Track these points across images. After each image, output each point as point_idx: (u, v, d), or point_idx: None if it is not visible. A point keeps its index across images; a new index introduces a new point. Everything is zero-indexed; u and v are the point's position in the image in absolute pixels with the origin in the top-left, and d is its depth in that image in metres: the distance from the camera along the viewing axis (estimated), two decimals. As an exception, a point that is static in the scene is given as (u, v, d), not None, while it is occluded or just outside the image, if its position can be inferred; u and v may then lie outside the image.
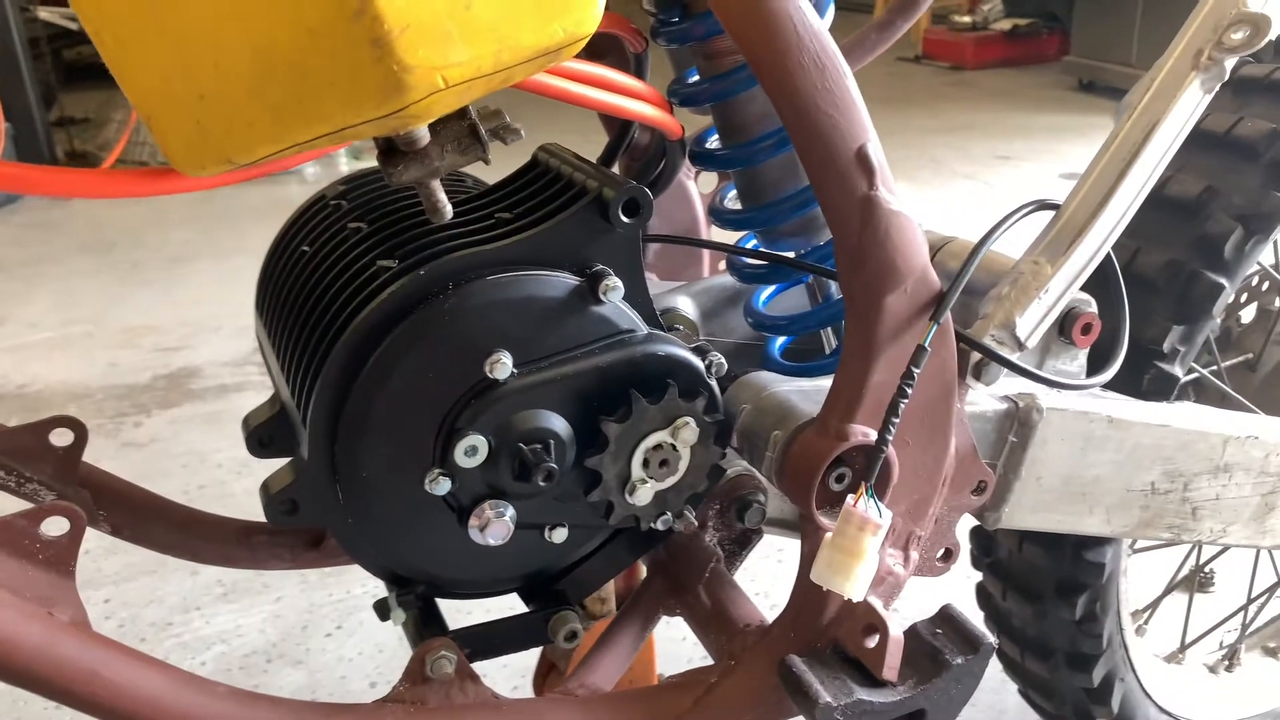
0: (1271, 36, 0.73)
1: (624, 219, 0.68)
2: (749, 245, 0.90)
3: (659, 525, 0.73)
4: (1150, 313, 0.98)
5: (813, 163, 0.63)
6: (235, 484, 1.85)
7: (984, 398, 0.81)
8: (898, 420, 0.67)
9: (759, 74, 0.61)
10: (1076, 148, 4.16)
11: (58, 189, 0.51)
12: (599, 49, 0.86)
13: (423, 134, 0.54)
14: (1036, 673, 1.15)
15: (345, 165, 4.01)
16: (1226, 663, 1.33)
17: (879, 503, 0.67)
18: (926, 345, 0.67)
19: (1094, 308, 0.89)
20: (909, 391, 0.66)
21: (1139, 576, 1.39)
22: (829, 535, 0.67)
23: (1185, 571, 1.39)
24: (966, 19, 5.54)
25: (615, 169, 0.91)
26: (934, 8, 5.88)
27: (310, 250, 0.77)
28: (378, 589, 1.60)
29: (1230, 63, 0.75)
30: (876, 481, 0.69)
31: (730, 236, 0.93)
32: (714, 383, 0.72)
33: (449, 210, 0.59)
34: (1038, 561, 1.07)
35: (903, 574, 0.75)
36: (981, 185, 3.76)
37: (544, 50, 0.51)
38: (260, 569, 0.82)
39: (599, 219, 0.68)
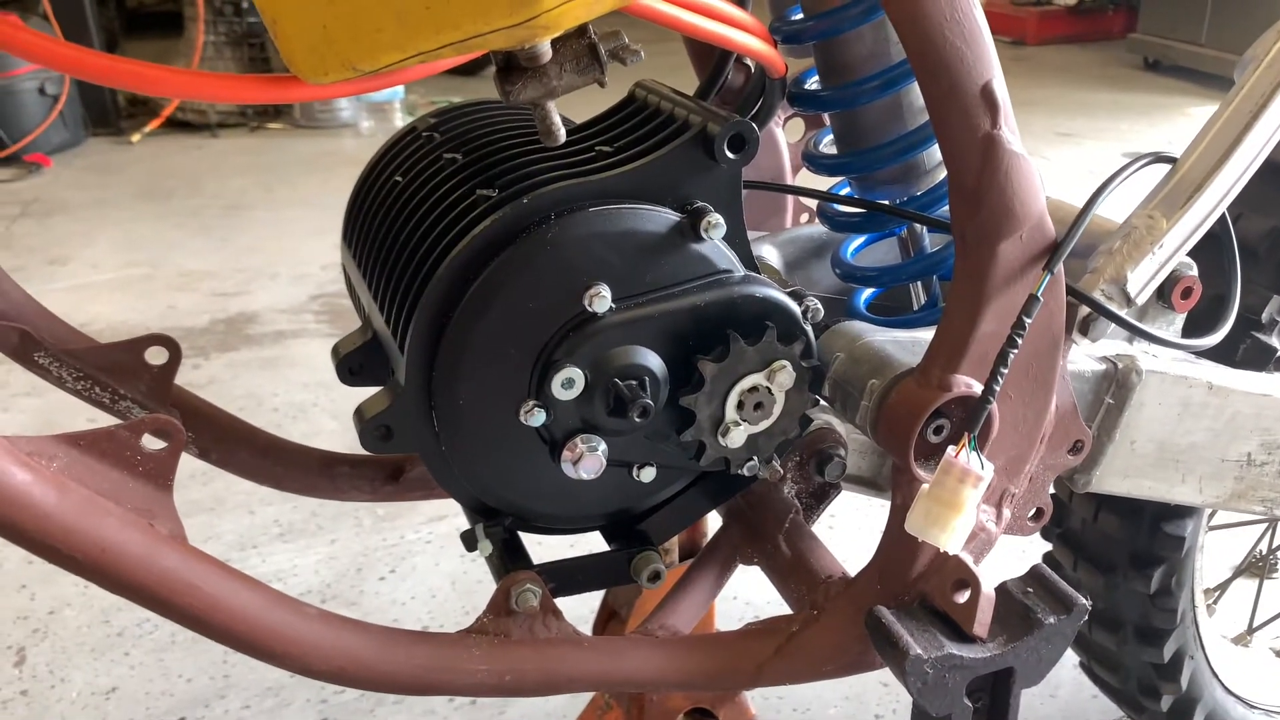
0: None
1: (729, 155, 0.66)
2: (842, 193, 0.88)
3: (746, 471, 0.72)
4: (1249, 281, 0.95)
5: (936, 97, 0.61)
6: (292, 428, 1.86)
7: (1083, 357, 0.79)
8: (1005, 372, 0.65)
9: (887, 3, 0.59)
10: (1139, 126, 4.05)
11: (173, 89, 0.50)
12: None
13: (545, 49, 0.53)
14: (1104, 645, 1.13)
15: (400, 119, 4.01)
16: (1294, 648, 1.31)
17: (981, 455, 0.65)
18: (1039, 295, 0.65)
19: (1195, 271, 0.86)
20: (1019, 342, 0.64)
21: (1211, 556, 1.36)
22: (926, 487, 0.66)
23: (1254, 555, 1.36)
24: (1033, -6, 5.41)
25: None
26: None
27: (404, 180, 0.76)
28: (432, 535, 1.61)
29: (1368, 15, 0.71)
30: (978, 434, 0.67)
31: (822, 184, 0.91)
32: (810, 328, 0.70)
33: (563, 133, 0.58)
34: (1113, 532, 1.04)
35: (995, 531, 0.73)
36: (1042, 162, 3.68)
37: (674, -35, 0.50)
38: (340, 499, 0.82)
39: (702, 155, 0.66)
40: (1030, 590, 0.71)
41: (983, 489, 0.65)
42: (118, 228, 3.03)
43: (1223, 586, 1.26)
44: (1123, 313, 0.72)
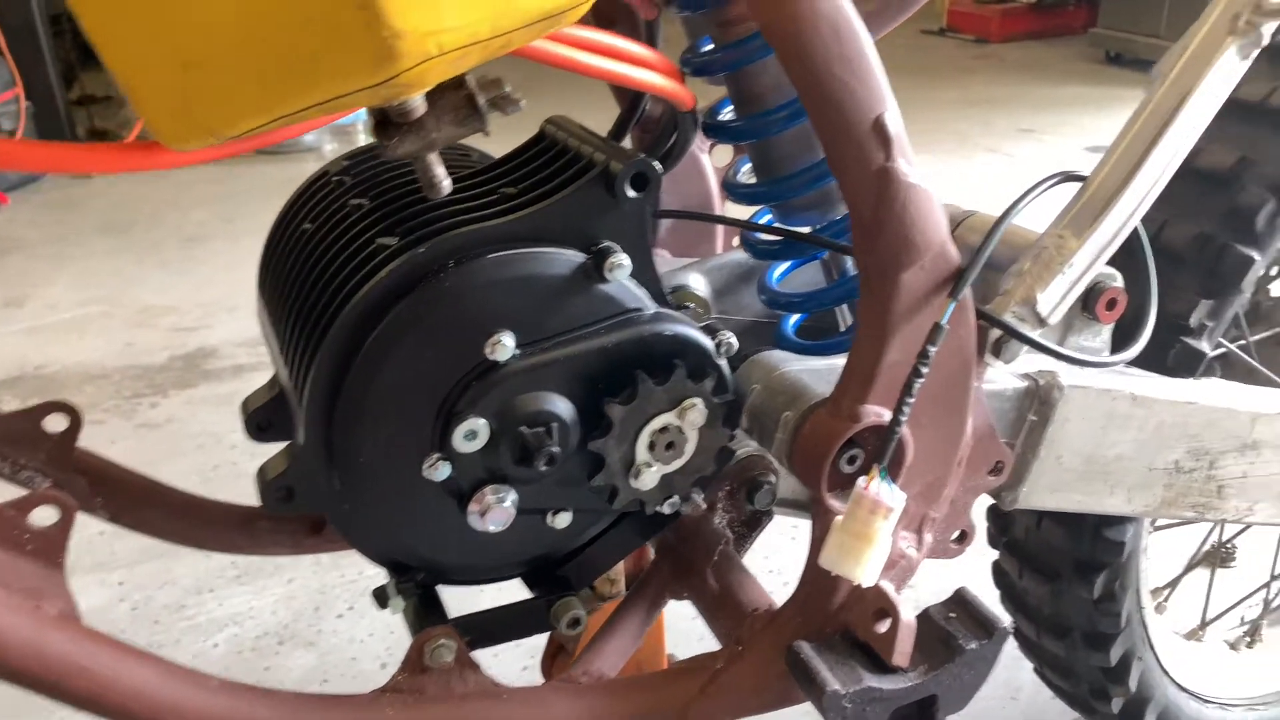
0: (1309, -1, 0.69)
1: (631, 193, 0.65)
2: (764, 220, 0.88)
3: (665, 509, 0.71)
4: (1177, 286, 0.95)
5: (827, 133, 0.61)
6: (250, 465, 1.84)
7: (1003, 375, 0.79)
8: (912, 400, 0.64)
9: (771, 40, 0.59)
10: (1101, 121, 4.08)
11: (35, 164, 0.49)
12: (608, 15, 0.84)
13: (418, 104, 0.52)
14: (1053, 651, 1.13)
15: (364, 138, 4.00)
16: (1248, 639, 1.31)
17: (892, 485, 0.65)
18: (944, 323, 0.65)
19: (1119, 282, 0.86)
20: (924, 371, 0.64)
21: (1160, 553, 1.36)
22: (839, 519, 0.65)
23: (1206, 548, 1.37)
24: (993, -9, 5.44)
25: (627, 142, 0.89)
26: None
27: (312, 228, 0.75)
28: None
29: (1270, 28, 0.71)
30: (890, 463, 0.67)
31: (745, 211, 0.91)
32: (724, 363, 0.70)
33: (447, 185, 0.57)
34: (1056, 540, 1.05)
35: (916, 557, 0.73)
36: (1004, 159, 3.70)
37: (545, 14, 0.49)
38: (264, 554, 0.81)
39: (605, 194, 0.65)
40: (953, 615, 0.70)
41: (894, 520, 0.65)
42: (76, 264, 3.00)
43: (1174, 583, 1.27)
44: (1036, 333, 0.72)
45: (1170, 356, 0.95)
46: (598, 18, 0.85)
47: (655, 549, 0.85)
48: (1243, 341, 1.17)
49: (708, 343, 0.69)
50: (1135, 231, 0.78)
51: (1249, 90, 1.00)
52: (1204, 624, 1.29)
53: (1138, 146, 0.71)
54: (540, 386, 0.65)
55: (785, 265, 0.90)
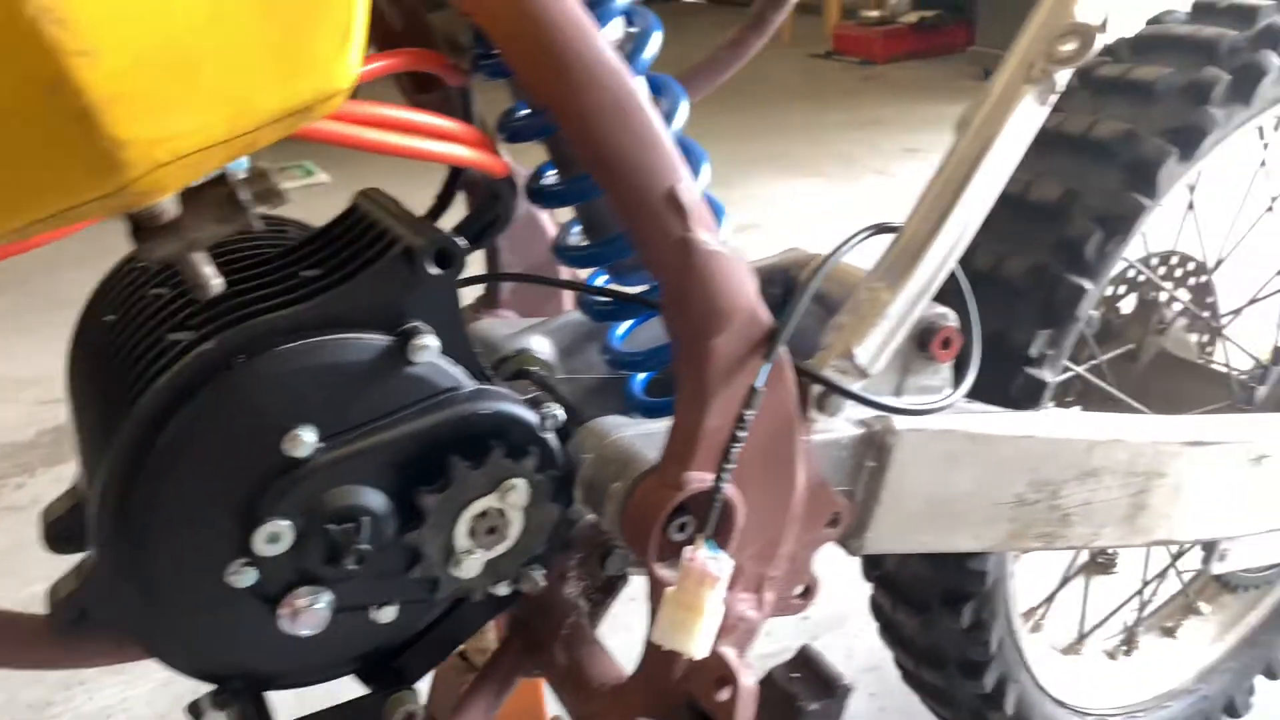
0: (1098, 47, 0.71)
1: (435, 271, 0.64)
2: (599, 281, 0.87)
3: (500, 591, 0.69)
4: (1017, 318, 0.97)
5: (620, 206, 0.60)
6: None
7: (839, 423, 0.79)
8: (732, 466, 0.64)
9: (553, 113, 0.58)
10: (980, 134, 4.19)
11: None
12: (426, 85, 0.82)
13: (166, 208, 0.50)
14: (932, 682, 1.14)
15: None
16: (1125, 648, 1.34)
17: (719, 552, 0.64)
18: (759, 386, 0.64)
19: (953, 321, 0.88)
20: (742, 436, 0.64)
21: (1040, 568, 1.39)
22: (669, 590, 0.64)
23: (1082, 561, 1.40)
24: (874, 13, 5.56)
25: (466, 209, 0.87)
26: (844, 3, 5.92)
27: (114, 319, 0.72)
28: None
29: (1062, 75, 0.73)
30: (718, 528, 0.66)
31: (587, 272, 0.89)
32: (550, 436, 0.68)
33: (215, 284, 0.55)
34: (922, 573, 1.05)
35: (756, 618, 0.72)
36: (891, 180, 3.78)
37: (289, 111, 0.47)
38: (85, 667, 0.76)
39: (409, 272, 0.63)
40: (796, 675, 0.70)
41: (723, 588, 0.64)
42: (-63, 337, 2.85)
43: (1050, 598, 1.29)
44: (858, 385, 0.72)
45: (1014, 388, 0.96)
46: (417, 87, 0.83)
47: (507, 625, 0.83)
48: (1094, 362, 1.20)
49: (530, 417, 0.67)
50: (954, 274, 0.80)
51: (1073, 123, 1.03)
52: (1082, 637, 1.32)
53: (946, 195, 0.72)
54: (349, 480, 0.62)
55: (628, 323, 0.89)
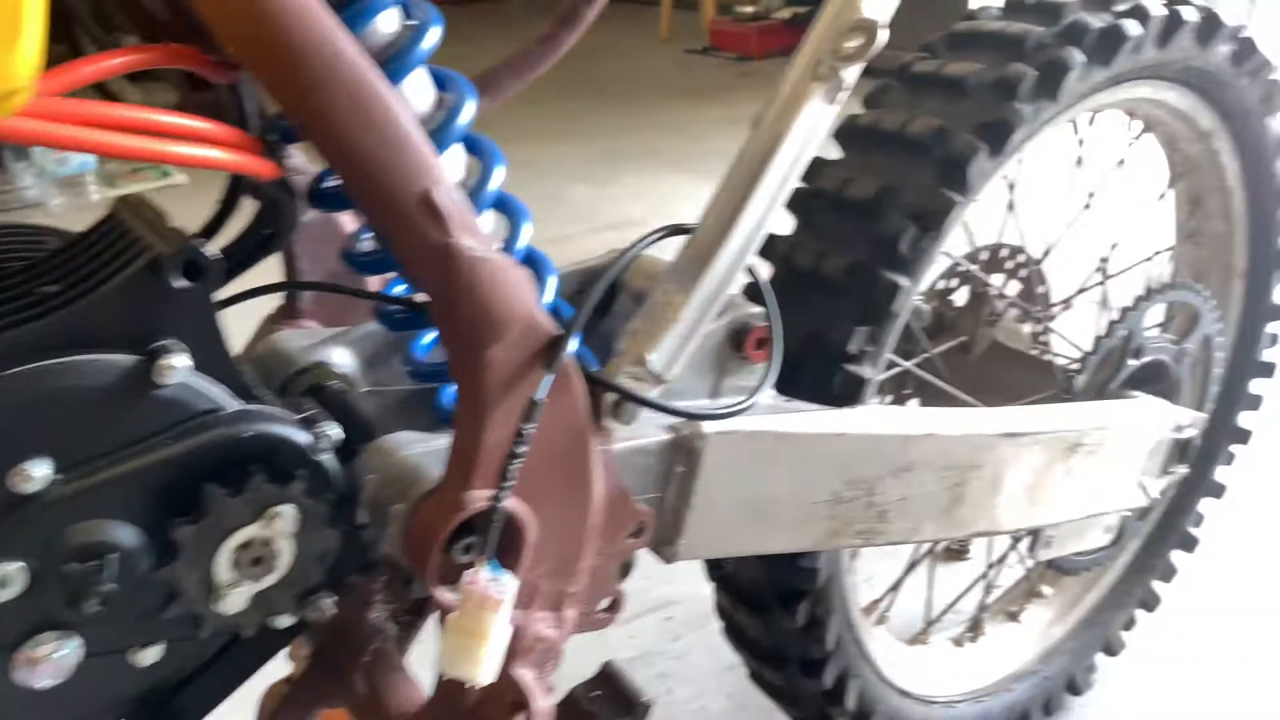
0: (881, 43, 0.71)
1: (183, 283, 0.59)
2: (398, 289, 0.83)
3: (280, 624, 0.65)
4: (836, 316, 0.97)
5: (372, 214, 0.56)
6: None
7: (645, 430, 0.77)
8: (511, 483, 0.61)
9: (289, 114, 0.54)
10: (853, 128, 4.28)
11: None
12: (201, 83, 0.77)
13: None
14: (775, 682, 1.14)
15: (95, 194, 3.70)
16: (971, 634, 1.36)
17: (502, 572, 0.61)
18: (540, 398, 0.61)
19: (767, 322, 0.87)
20: (523, 451, 0.61)
21: (888, 560, 1.41)
22: (451, 616, 0.61)
23: (922, 552, 1.42)
24: (749, 9, 5.61)
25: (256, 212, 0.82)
26: (718, -1, 5.96)
27: None
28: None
29: (850, 72, 0.73)
30: (506, 547, 0.64)
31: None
32: (326, 457, 0.65)
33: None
34: (757, 573, 1.05)
35: (557, 636, 0.70)
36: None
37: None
38: None
39: (156, 285, 0.59)
40: (597, 693, 0.68)
41: (507, 610, 0.61)
42: None
43: (894, 591, 1.30)
44: (654, 391, 0.70)
45: (835, 385, 0.96)
46: (193, 85, 0.78)
47: (309, 655, 0.79)
48: (924, 356, 1.22)
49: (301, 438, 0.63)
50: (755, 271, 0.79)
51: (889, 120, 1.03)
52: (927, 626, 1.33)
53: (736, 195, 0.71)
54: (91, 514, 0.57)
55: (433, 332, 0.86)
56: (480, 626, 0.60)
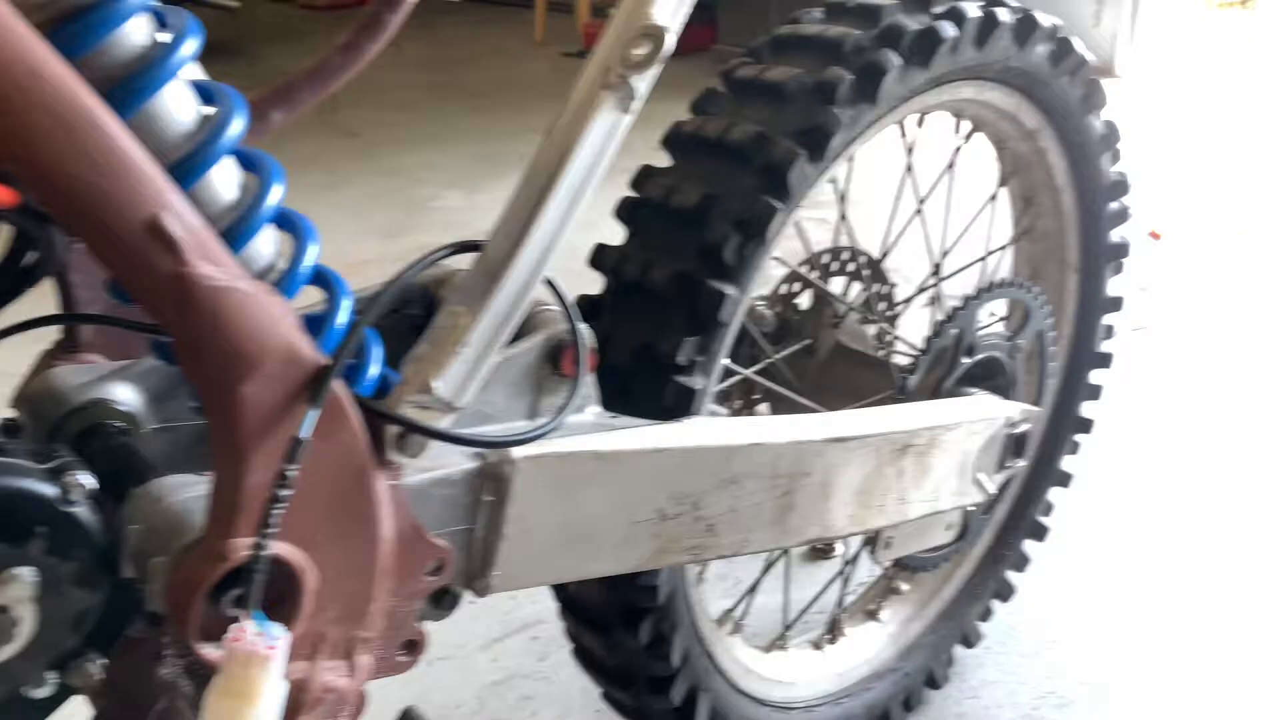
0: (668, 49, 0.69)
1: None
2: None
3: (38, 694, 0.59)
4: (664, 327, 0.95)
5: (92, 243, 0.51)
6: None
7: (450, 457, 0.73)
8: (275, 529, 0.56)
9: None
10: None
11: None
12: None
13: None
14: (624, 702, 1.12)
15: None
16: (830, 636, 1.36)
17: (267, 626, 0.57)
18: (303, 435, 0.57)
19: (587, 337, 0.84)
20: (287, 494, 0.57)
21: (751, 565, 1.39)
22: (215, 678, 0.56)
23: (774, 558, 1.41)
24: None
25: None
26: (594, 1, 5.93)
27: None
28: None
29: (641, 80, 0.70)
30: (284, 596, 0.59)
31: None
32: (79, 509, 0.59)
33: None
34: (597, 594, 1.02)
35: (349, 685, 0.65)
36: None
37: None
38: None
39: None
40: (394, 744, 0.64)
41: (279, 666, 0.57)
42: None
43: (749, 596, 1.29)
44: (447, 420, 0.67)
45: (666, 398, 0.94)
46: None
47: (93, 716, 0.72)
48: (766, 361, 1.22)
49: (44, 490, 0.58)
50: (556, 286, 0.76)
51: (712, 127, 1.02)
52: (785, 631, 1.33)
53: (525, 209, 0.68)
54: None
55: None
56: (248, 687, 0.55)
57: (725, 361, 1.06)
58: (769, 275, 1.21)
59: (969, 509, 1.29)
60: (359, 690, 0.66)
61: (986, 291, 1.19)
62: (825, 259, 1.32)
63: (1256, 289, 2.77)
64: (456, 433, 0.66)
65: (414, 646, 0.70)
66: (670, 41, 0.68)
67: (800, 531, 0.96)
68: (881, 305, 1.37)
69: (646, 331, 0.95)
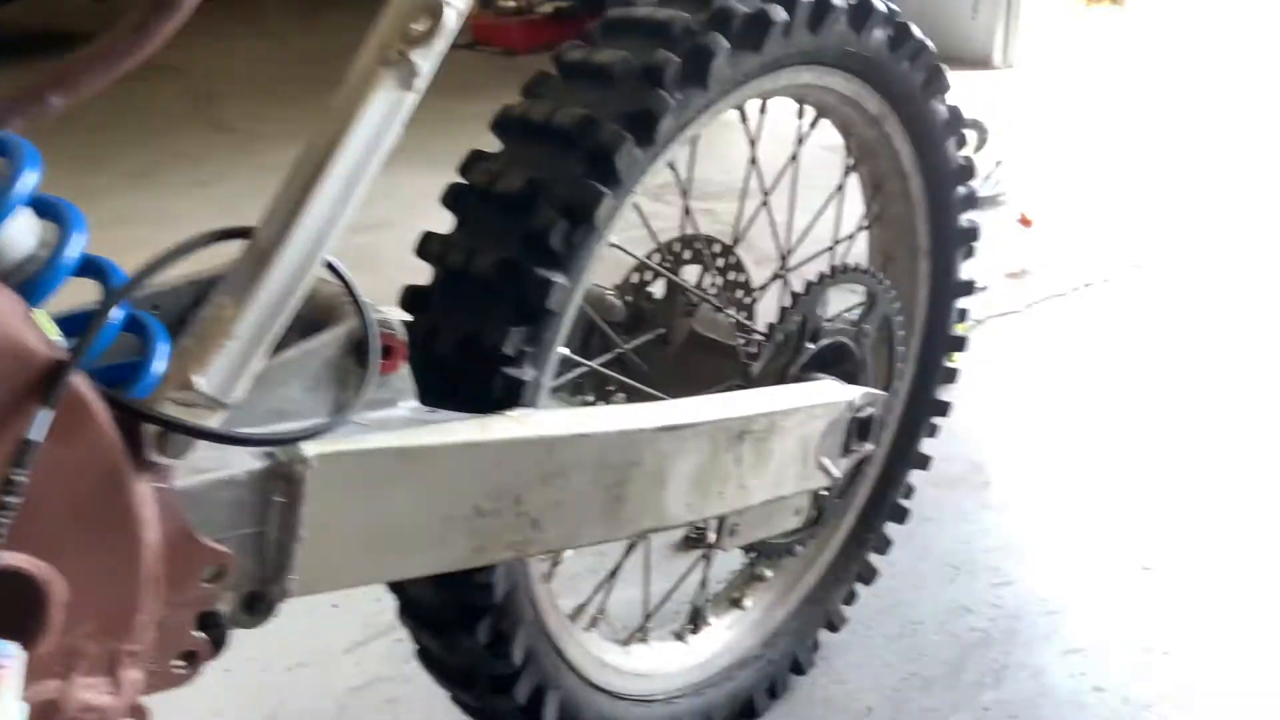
0: (449, 25, 0.66)
1: None
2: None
3: None
4: (489, 317, 0.92)
5: None
6: None
7: (234, 458, 0.69)
8: (1, 540, 0.52)
9: None
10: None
11: None
12: None
13: None
14: (470, 704, 1.09)
15: None
16: (692, 626, 1.35)
17: (2, 644, 0.52)
18: (33, 438, 0.53)
19: (394, 329, 0.81)
20: (14, 502, 0.52)
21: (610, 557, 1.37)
22: (-65, 707, 0.52)
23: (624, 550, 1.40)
24: (511, 3, 5.55)
25: None
26: (480, -9, 5.86)
27: None
28: None
29: (423, 57, 0.68)
30: (26, 611, 0.55)
31: None
32: None
33: None
34: (432, 594, 0.99)
35: (114, 703, 0.61)
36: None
37: None
38: None
39: None
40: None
41: (13, 685, 0.52)
42: None
43: (606, 591, 1.27)
44: (217, 418, 0.63)
45: (495, 389, 0.92)
46: None
47: None
48: (616, 352, 1.20)
49: None
50: (340, 273, 0.73)
51: (539, 110, 1.00)
52: (646, 623, 1.31)
53: (296, 194, 0.64)
54: None
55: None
56: (-29, 713, 0.51)
57: (564, 351, 1.04)
58: (620, 264, 1.20)
59: (819, 493, 1.30)
60: (129, 706, 0.62)
61: (829, 277, 1.19)
62: (677, 247, 1.31)
63: (1125, 273, 2.88)
64: (219, 430, 0.62)
65: (193, 657, 0.66)
66: (450, 17, 0.65)
67: (635, 522, 0.94)
68: (738, 294, 1.36)
69: (472, 322, 0.93)
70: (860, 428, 1.19)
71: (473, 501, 0.81)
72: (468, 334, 0.93)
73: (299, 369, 0.75)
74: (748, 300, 1.38)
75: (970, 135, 2.71)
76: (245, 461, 0.69)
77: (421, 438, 0.77)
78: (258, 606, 0.77)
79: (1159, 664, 1.47)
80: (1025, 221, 3.02)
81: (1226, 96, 5.01)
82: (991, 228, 3.12)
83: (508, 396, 0.92)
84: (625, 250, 1.11)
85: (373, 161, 0.66)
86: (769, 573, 1.45)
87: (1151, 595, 1.61)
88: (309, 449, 0.71)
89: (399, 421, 0.82)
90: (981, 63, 5.48)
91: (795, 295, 1.16)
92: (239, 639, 1.60)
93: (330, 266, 0.69)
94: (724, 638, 1.37)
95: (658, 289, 1.32)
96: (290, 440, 0.67)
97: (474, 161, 1.01)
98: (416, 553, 0.79)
